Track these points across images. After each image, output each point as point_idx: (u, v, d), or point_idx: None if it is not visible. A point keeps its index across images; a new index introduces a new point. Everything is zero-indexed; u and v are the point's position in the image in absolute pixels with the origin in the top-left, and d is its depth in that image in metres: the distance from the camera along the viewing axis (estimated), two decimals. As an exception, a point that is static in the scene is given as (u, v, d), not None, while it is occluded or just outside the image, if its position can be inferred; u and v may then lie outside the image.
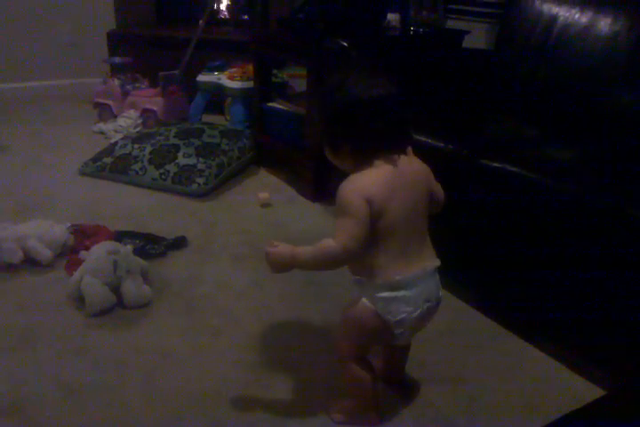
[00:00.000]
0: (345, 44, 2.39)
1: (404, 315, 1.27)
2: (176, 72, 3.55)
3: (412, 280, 1.27)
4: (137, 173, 2.73)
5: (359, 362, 1.37)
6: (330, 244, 1.21)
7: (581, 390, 1.54)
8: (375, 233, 1.22)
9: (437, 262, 1.33)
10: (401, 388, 1.55)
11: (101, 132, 3.45)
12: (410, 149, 1.30)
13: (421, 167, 1.31)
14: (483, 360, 1.67)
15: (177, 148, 2.78)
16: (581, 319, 1.62)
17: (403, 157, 1.26)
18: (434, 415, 1.47)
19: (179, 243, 2.22)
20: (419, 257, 1.30)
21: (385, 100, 1.21)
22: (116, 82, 3.58)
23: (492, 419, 1.46)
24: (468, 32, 2.91)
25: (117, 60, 3.72)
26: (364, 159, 1.24)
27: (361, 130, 1.22)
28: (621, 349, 1.54)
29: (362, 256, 1.24)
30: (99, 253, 1.86)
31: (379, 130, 1.21)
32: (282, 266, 1.31)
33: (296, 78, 3.45)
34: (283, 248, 1.30)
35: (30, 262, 2.04)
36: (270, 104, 2.95)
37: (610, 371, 1.55)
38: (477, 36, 3.13)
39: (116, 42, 3.97)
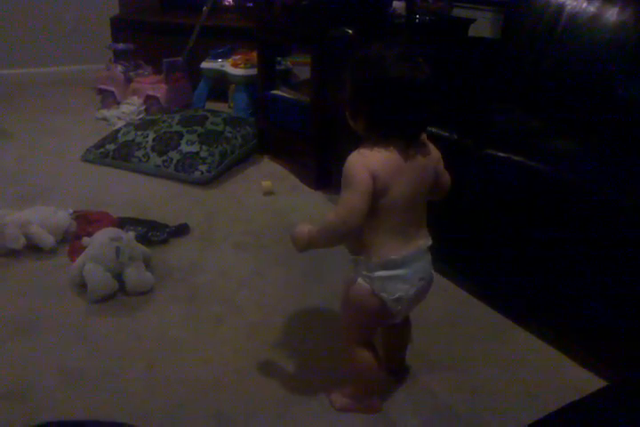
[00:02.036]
0: (350, 31, 2.38)
1: (400, 293, 1.28)
2: (180, 59, 3.54)
3: (407, 259, 1.27)
4: (140, 160, 2.73)
5: (364, 347, 1.37)
6: (329, 217, 1.22)
7: (582, 381, 1.54)
8: (375, 210, 1.22)
9: (430, 241, 1.34)
10: (402, 377, 1.55)
11: (104, 119, 3.44)
12: (424, 135, 1.29)
13: (433, 152, 1.30)
14: (484, 350, 1.67)
15: (180, 135, 2.77)
16: (583, 309, 1.62)
17: (416, 140, 1.25)
18: (434, 404, 1.47)
19: (181, 230, 2.22)
20: (415, 237, 1.30)
21: (419, 85, 1.17)
22: (120, 68, 3.57)
23: (492, 408, 1.46)
24: (473, 20, 2.88)
25: (120, 46, 3.71)
26: (376, 135, 1.23)
27: (382, 109, 1.19)
28: (622, 339, 1.54)
29: (361, 230, 1.24)
30: (101, 240, 1.86)
31: (401, 116, 1.19)
32: (301, 244, 1.31)
33: (300, 66, 3.44)
34: (302, 227, 1.30)
35: (33, 248, 2.04)
36: (274, 92, 2.94)
37: (611, 362, 1.55)
38: (483, 25, 3.10)
39: (120, 28, 3.95)
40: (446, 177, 1.35)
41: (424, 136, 1.29)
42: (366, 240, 1.26)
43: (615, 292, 1.55)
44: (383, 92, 1.18)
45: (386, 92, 1.17)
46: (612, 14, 2.16)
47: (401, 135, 1.22)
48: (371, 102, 1.20)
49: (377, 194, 1.21)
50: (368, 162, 1.20)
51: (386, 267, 1.26)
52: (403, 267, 1.27)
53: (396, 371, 1.56)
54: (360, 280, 1.29)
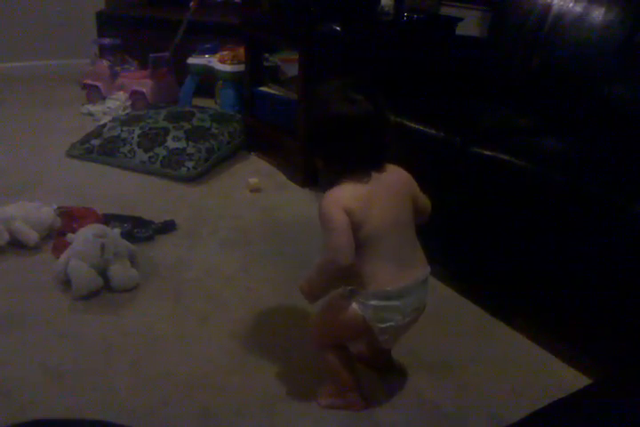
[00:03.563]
0: (338, 28, 2.38)
1: (391, 323, 1.30)
2: (166, 54, 3.52)
3: (403, 291, 1.29)
4: (125, 155, 2.71)
5: (334, 349, 1.39)
6: (321, 261, 1.27)
7: (568, 379, 1.55)
8: (359, 243, 1.24)
9: (428, 270, 1.35)
10: (388, 375, 1.55)
11: (90, 114, 3.41)
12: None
13: (402, 176, 1.34)
14: (471, 348, 1.67)
15: (166, 131, 2.75)
16: (570, 309, 1.63)
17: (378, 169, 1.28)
18: (420, 402, 1.47)
19: (167, 227, 2.20)
20: (410, 265, 1.32)
21: (357, 120, 1.23)
22: (105, 63, 3.54)
23: (478, 406, 1.47)
24: (461, 19, 2.89)
25: (106, 41, 3.68)
26: (336, 174, 1.28)
27: (331, 150, 1.27)
28: (609, 338, 1.55)
29: (352, 266, 1.25)
30: (86, 236, 1.84)
31: (349, 152, 1.25)
32: (308, 295, 1.34)
33: (288, 62, 3.42)
34: (302, 281, 1.33)
35: (16, 244, 2.02)
36: (261, 88, 2.93)
37: (597, 360, 1.56)
38: (471, 24, 3.11)
39: (106, 23, 3.92)
40: (424, 200, 1.38)
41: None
42: (358, 273, 1.27)
43: (601, 290, 1.56)
44: (328, 130, 1.25)
45: (330, 130, 1.25)
46: (599, 14, 2.17)
47: (358, 167, 1.26)
48: (320, 141, 1.29)
49: (355, 227, 1.23)
50: (337, 200, 1.24)
51: (381, 297, 1.27)
52: (398, 298, 1.28)
53: (383, 368, 1.56)
54: (354, 306, 1.29)
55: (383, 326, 1.29)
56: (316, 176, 2.60)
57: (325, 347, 1.40)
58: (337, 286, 1.33)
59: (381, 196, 1.26)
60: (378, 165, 1.29)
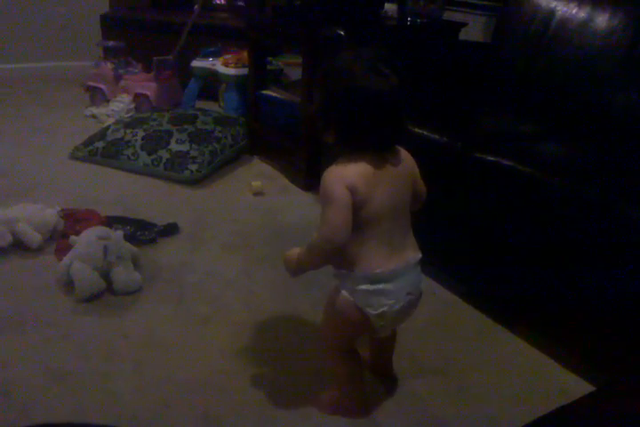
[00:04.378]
0: (341, 32, 2.38)
1: (384, 308, 1.25)
2: (170, 57, 3.52)
3: (393, 273, 1.25)
4: (129, 158, 2.71)
5: (345, 353, 1.37)
6: (314, 237, 1.22)
7: (570, 385, 1.55)
8: (357, 223, 1.20)
9: (419, 255, 1.32)
10: (388, 379, 1.55)
11: (93, 116, 3.42)
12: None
13: (407, 159, 1.29)
14: (472, 353, 1.67)
15: (170, 134, 2.76)
16: (571, 314, 1.63)
17: (389, 150, 1.25)
18: (421, 408, 1.47)
19: (170, 230, 2.21)
20: (401, 249, 1.28)
21: (386, 95, 1.15)
22: (109, 66, 3.55)
23: (479, 412, 1.46)
24: (464, 24, 2.89)
25: (110, 43, 3.68)
26: (348, 148, 1.22)
27: (351, 121, 1.18)
28: (611, 344, 1.55)
29: (345, 246, 1.22)
30: (89, 239, 1.85)
31: (369, 128, 1.18)
32: (292, 268, 1.31)
33: (291, 66, 3.43)
34: (292, 251, 1.30)
35: (19, 246, 2.02)
36: (265, 92, 2.93)
37: (599, 366, 1.56)
38: (474, 29, 3.11)
39: (110, 25, 3.92)
40: (422, 186, 1.34)
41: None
42: (349, 253, 1.23)
43: (603, 296, 1.55)
44: (351, 103, 1.16)
45: (353, 104, 1.16)
46: (603, 20, 2.18)
47: (373, 146, 1.21)
48: (339, 114, 1.19)
49: (356, 206, 1.19)
50: (344, 176, 1.18)
51: (370, 281, 1.24)
52: (388, 281, 1.24)
53: (383, 375, 1.56)
54: (344, 293, 1.27)
55: (376, 312, 1.25)
56: (318, 179, 2.60)
57: (336, 351, 1.37)
58: (322, 265, 1.28)
59: (386, 178, 1.21)
60: (390, 145, 1.24)
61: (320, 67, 1.25)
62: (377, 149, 1.21)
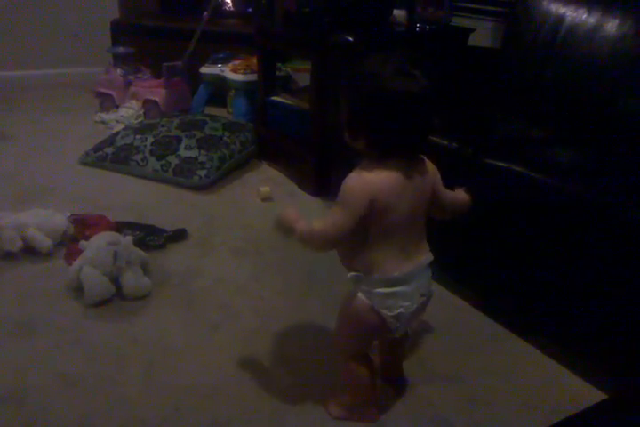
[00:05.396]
0: (350, 38, 2.39)
1: (400, 310, 1.27)
2: (179, 63, 3.53)
3: (408, 276, 1.27)
4: (138, 163, 2.72)
5: (358, 358, 1.37)
6: (316, 224, 1.23)
7: (581, 393, 1.53)
8: (377, 230, 1.22)
9: (431, 257, 1.33)
10: (399, 386, 1.54)
11: (103, 122, 3.43)
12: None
13: (430, 167, 1.29)
14: (482, 360, 1.66)
15: (179, 139, 2.76)
16: (583, 321, 1.62)
17: (416, 156, 1.25)
18: (432, 414, 1.46)
19: (179, 235, 2.21)
20: (416, 253, 1.30)
21: (416, 97, 1.14)
22: (119, 72, 3.56)
23: (490, 419, 1.45)
24: (473, 30, 2.89)
25: (120, 50, 3.70)
26: (377, 153, 1.21)
27: (382, 125, 1.16)
28: (623, 351, 1.53)
29: (361, 248, 1.24)
30: (99, 244, 1.85)
31: (400, 132, 1.17)
32: (284, 228, 1.30)
33: (300, 72, 3.44)
34: (290, 213, 1.29)
35: (30, 251, 2.03)
36: (274, 98, 2.94)
37: (611, 374, 1.54)
38: (483, 35, 3.11)
39: (120, 32, 3.95)
40: (447, 193, 1.35)
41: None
42: (368, 258, 1.25)
43: (615, 303, 1.54)
44: (381, 107, 1.15)
45: (383, 107, 1.15)
46: (612, 26, 2.17)
47: (402, 151, 1.21)
48: (369, 119, 1.17)
49: (378, 215, 1.19)
50: (369, 185, 1.18)
51: (387, 284, 1.25)
52: (404, 284, 1.26)
53: (394, 380, 1.55)
54: (360, 295, 1.28)
55: (393, 313, 1.26)
56: (327, 185, 2.60)
57: (350, 356, 1.37)
58: (306, 248, 1.30)
59: (409, 187, 1.21)
60: (419, 150, 1.24)
61: (344, 73, 1.25)
62: (406, 152, 1.21)
